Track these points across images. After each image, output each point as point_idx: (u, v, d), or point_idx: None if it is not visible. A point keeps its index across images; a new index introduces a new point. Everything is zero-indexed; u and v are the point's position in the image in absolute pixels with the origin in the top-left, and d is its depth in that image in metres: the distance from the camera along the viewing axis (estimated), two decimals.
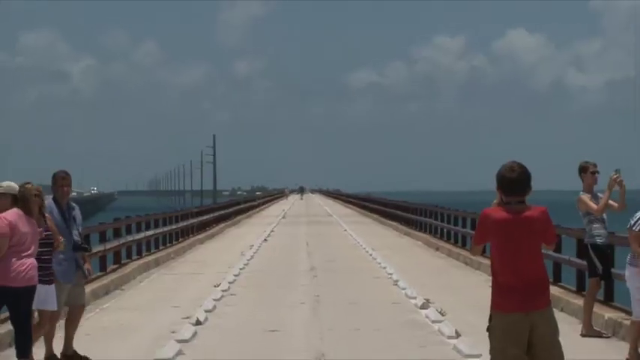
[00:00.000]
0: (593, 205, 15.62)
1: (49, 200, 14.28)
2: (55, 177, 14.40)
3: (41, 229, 13.39)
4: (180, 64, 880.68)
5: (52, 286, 13.67)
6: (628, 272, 13.52)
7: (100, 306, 20.01)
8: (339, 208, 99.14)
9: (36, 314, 13.70)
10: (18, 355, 13.03)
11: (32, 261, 13.01)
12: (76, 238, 14.30)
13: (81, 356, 14.18)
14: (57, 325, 14.18)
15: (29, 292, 12.98)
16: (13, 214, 13.00)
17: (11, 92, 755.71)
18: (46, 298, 13.59)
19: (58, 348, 14.03)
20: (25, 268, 12.91)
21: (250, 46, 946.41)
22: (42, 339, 13.87)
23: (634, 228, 13.19)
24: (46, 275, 13.54)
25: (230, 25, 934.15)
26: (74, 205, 14.66)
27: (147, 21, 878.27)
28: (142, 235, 31.29)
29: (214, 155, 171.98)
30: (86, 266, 14.72)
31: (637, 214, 13.48)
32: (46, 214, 13.64)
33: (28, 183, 13.42)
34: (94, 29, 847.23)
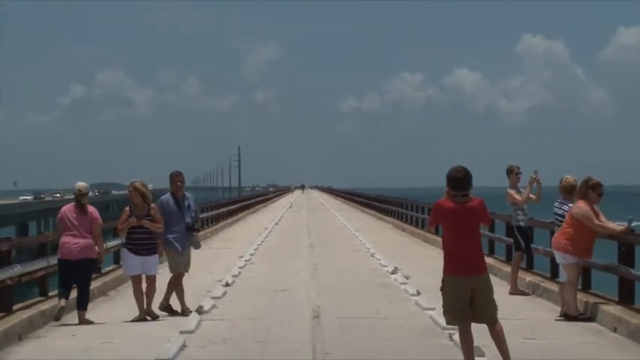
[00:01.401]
0: (518, 198, 15.80)
1: (167, 193, 14.36)
2: (171, 176, 14.37)
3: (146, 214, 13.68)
4: (215, 94, 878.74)
5: (152, 257, 13.78)
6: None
7: None
8: (331, 200, 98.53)
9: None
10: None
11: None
12: (188, 220, 14.16)
13: (177, 311, 14.02)
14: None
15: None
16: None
17: (92, 115, 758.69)
18: (148, 266, 13.79)
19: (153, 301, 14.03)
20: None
21: (266, 81, 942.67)
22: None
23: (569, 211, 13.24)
24: (148, 248, 13.74)
25: (252, 65, 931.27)
26: (188, 195, 14.48)
27: (190, 62, 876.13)
28: None
29: (239, 161, 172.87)
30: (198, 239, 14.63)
31: (564, 206, 13.58)
32: (152, 205, 13.83)
33: (135, 181, 13.86)
34: (151, 68, 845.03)
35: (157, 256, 14.07)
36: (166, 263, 14.74)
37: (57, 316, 13.24)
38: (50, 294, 14.82)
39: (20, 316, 12.71)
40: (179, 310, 13.99)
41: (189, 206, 14.28)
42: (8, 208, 77.79)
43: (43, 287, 14.94)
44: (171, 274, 14.19)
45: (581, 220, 12.76)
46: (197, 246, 14.61)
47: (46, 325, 13.05)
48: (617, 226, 13.01)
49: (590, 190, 12.89)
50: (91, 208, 13.81)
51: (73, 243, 13.33)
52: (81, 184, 13.89)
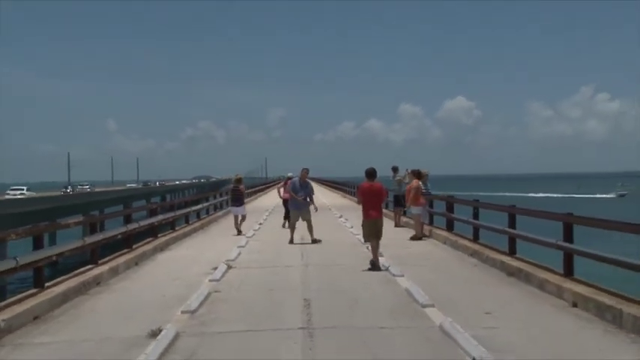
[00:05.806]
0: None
1: (295, 178, 12.71)
2: (302, 170, 12.63)
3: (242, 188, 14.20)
4: (253, 133, 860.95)
5: (241, 207, 13.96)
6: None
7: (218, 219, 19.80)
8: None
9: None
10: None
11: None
12: (302, 194, 12.44)
13: (317, 240, 12.23)
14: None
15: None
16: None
17: (196, 143, 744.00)
18: (237, 211, 13.88)
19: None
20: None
21: (278, 126, 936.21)
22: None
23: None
24: (238, 203, 13.94)
25: (271, 118, 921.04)
26: (309, 181, 12.65)
27: (241, 117, 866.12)
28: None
29: (266, 165, 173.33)
30: (313, 206, 12.66)
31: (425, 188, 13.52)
32: (240, 186, 14.12)
33: (238, 174, 14.42)
34: (224, 120, 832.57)
35: (244, 206, 13.97)
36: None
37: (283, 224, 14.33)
38: (176, 228, 14.50)
39: (161, 239, 12.43)
40: (307, 241, 12.42)
41: (306, 186, 12.47)
42: (157, 187, 78.23)
43: (172, 225, 14.62)
44: (289, 222, 12.78)
45: (411, 189, 13.06)
46: (308, 210, 12.60)
47: (174, 244, 12.77)
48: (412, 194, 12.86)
49: (413, 175, 13.19)
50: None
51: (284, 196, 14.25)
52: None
